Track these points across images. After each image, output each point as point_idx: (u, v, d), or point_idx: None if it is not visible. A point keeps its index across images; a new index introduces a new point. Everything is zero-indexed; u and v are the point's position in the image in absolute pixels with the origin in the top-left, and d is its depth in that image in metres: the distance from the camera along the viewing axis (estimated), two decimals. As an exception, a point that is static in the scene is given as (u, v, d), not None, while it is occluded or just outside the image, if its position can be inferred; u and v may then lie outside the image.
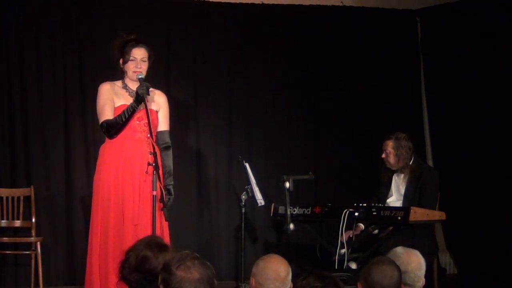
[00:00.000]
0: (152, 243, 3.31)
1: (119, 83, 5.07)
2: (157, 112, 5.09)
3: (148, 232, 4.67)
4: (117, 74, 5.09)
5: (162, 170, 4.98)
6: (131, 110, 4.87)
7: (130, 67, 4.98)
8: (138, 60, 4.96)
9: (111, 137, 4.96)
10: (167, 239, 4.81)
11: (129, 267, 3.23)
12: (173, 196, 5.06)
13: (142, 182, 4.87)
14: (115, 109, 4.96)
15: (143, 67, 4.98)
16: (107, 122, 4.93)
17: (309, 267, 5.12)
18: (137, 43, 4.96)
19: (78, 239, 6.51)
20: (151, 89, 4.96)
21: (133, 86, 5.00)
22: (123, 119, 4.88)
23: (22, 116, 6.59)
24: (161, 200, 4.72)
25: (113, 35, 5.14)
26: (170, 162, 5.12)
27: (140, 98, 4.82)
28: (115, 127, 4.92)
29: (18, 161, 6.57)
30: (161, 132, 5.12)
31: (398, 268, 3.31)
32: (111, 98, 4.98)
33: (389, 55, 7.53)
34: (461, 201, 7.03)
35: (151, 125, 4.87)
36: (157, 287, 2.86)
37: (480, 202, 6.98)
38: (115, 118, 4.91)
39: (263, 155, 7.22)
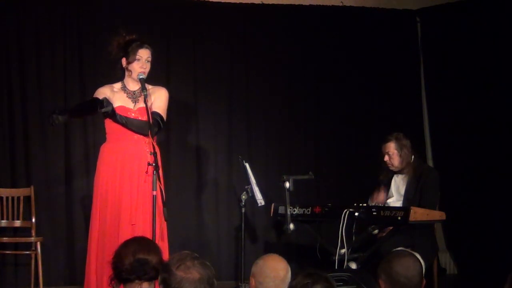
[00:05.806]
0: (126, 242, 3.30)
1: (117, 85, 5.06)
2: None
3: (146, 232, 4.65)
4: (117, 74, 5.06)
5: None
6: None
7: (135, 67, 4.96)
8: (143, 60, 4.97)
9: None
10: (165, 239, 4.81)
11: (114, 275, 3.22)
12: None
13: (141, 182, 4.85)
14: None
15: (148, 68, 4.99)
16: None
17: (307, 267, 5.11)
18: (142, 43, 4.97)
19: (78, 239, 6.50)
20: (148, 86, 4.96)
21: (133, 87, 5.00)
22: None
23: (22, 116, 6.59)
24: (162, 199, 4.71)
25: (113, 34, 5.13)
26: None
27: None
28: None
29: (18, 161, 6.57)
30: (153, 111, 4.93)
31: (418, 258, 3.23)
32: (107, 94, 4.97)
33: (389, 55, 7.53)
34: (461, 201, 7.03)
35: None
36: (127, 270, 2.89)
37: (480, 202, 6.98)
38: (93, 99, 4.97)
39: (263, 155, 7.22)
